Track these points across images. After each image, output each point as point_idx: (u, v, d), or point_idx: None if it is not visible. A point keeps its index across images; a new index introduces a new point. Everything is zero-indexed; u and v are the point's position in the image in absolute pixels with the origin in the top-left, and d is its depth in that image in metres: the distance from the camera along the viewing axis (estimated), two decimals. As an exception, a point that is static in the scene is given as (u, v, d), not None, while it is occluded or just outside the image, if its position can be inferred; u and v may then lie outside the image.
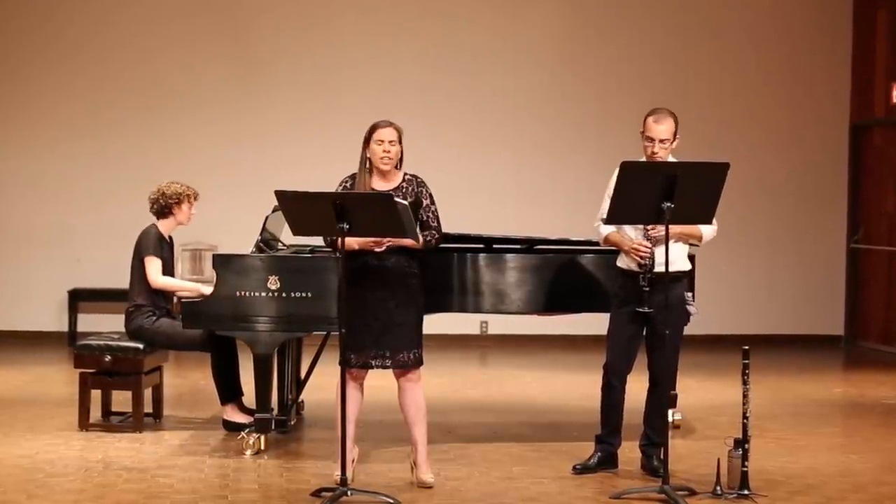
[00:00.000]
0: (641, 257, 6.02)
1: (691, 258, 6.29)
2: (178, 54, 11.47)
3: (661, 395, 6.10)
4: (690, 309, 6.23)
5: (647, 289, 5.98)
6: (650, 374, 6.23)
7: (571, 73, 11.74)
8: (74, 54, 11.42)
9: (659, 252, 5.96)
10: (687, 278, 6.25)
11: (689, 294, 6.27)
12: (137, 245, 7.24)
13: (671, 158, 6.11)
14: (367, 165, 5.96)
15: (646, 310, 5.99)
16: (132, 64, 11.43)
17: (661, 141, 6.02)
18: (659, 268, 5.95)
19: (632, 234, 6.11)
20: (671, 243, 5.86)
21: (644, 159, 6.07)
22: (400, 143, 5.95)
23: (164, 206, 7.27)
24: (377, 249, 5.84)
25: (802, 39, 11.98)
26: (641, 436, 6.29)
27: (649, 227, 6.00)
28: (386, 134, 5.92)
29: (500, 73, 11.67)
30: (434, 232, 6.00)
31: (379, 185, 5.96)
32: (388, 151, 5.91)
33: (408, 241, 5.81)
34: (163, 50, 11.46)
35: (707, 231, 6.15)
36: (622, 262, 6.19)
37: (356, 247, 5.82)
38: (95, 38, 11.43)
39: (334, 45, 11.56)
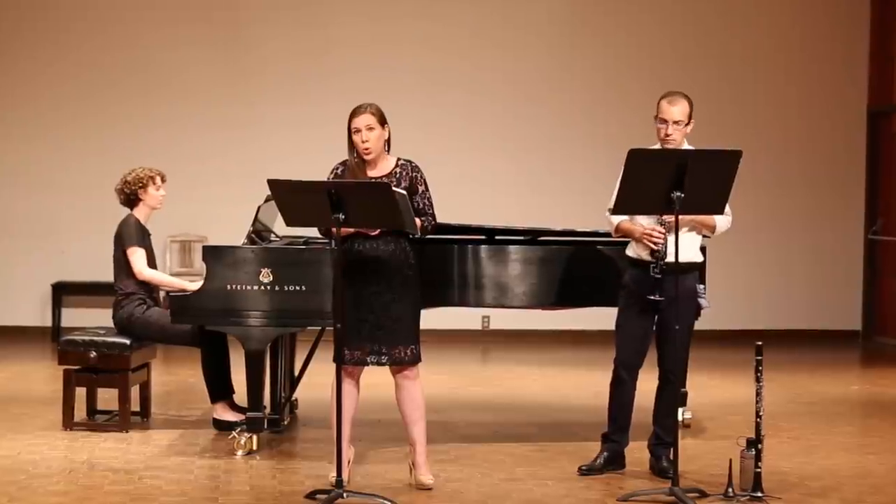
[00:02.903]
0: (655, 243, 5.90)
1: (703, 250, 6.23)
2: (163, 40, 11.38)
3: (672, 392, 6.03)
4: (702, 302, 6.15)
5: (659, 276, 5.88)
6: (660, 370, 6.14)
7: (577, 55, 11.64)
8: (57, 41, 11.34)
9: (672, 240, 5.86)
10: (699, 271, 6.18)
11: (702, 287, 6.19)
12: (118, 235, 7.18)
13: (686, 145, 6.05)
14: (356, 154, 5.82)
15: (656, 297, 5.89)
16: (117, 51, 11.34)
17: (676, 122, 5.96)
18: (671, 258, 5.85)
19: (645, 222, 6.02)
20: (684, 232, 5.83)
21: (658, 145, 5.99)
22: (382, 125, 5.79)
23: (130, 195, 7.22)
24: (372, 233, 5.72)
25: (818, 21, 11.91)
26: (651, 435, 6.20)
27: None
28: (360, 122, 5.76)
29: (503, 56, 11.55)
30: (430, 217, 5.90)
31: (370, 172, 5.84)
32: (367, 140, 5.76)
33: None
34: (148, 35, 11.36)
35: (721, 221, 6.06)
36: (632, 251, 6.10)
37: (351, 230, 5.69)
38: (78, 24, 11.35)
39: (327, 28, 11.46)
